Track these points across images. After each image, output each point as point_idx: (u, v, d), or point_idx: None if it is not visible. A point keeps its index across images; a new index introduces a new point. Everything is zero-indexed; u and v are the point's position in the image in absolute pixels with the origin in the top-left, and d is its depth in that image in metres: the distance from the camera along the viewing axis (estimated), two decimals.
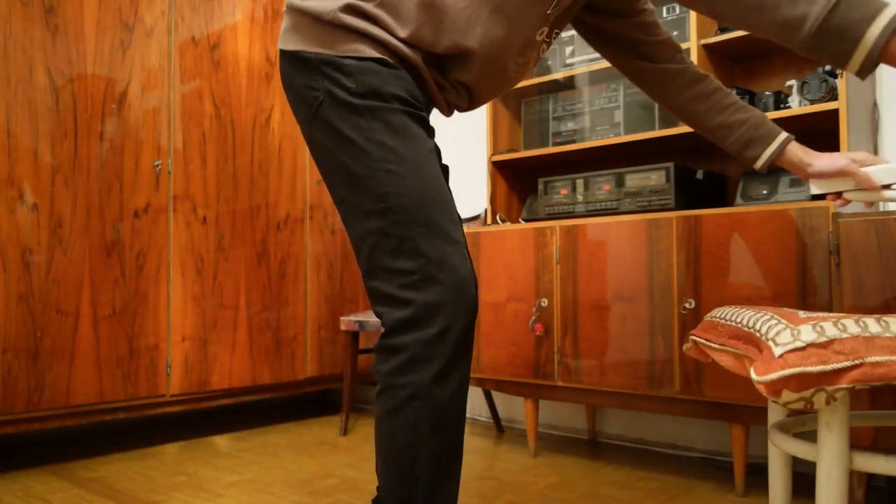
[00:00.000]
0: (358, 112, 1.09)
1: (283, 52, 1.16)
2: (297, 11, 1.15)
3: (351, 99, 1.09)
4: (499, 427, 2.75)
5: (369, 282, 1.09)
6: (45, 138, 2.15)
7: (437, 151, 1.17)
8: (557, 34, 1.27)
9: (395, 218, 1.05)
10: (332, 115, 1.10)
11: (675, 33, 2.26)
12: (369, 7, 1.11)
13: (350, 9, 1.11)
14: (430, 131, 1.15)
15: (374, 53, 1.11)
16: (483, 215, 2.80)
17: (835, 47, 1.01)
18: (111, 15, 2.31)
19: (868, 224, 1.60)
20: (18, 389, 2.06)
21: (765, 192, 2.05)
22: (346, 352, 2.65)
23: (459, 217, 1.14)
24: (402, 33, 1.12)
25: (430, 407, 1.04)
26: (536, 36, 1.21)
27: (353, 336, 2.70)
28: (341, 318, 2.69)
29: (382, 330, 1.08)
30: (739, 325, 1.11)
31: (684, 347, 1.32)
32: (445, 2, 1.13)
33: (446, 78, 1.20)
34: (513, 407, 2.87)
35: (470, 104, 1.27)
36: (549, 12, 1.18)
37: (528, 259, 2.27)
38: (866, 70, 1.01)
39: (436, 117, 3.19)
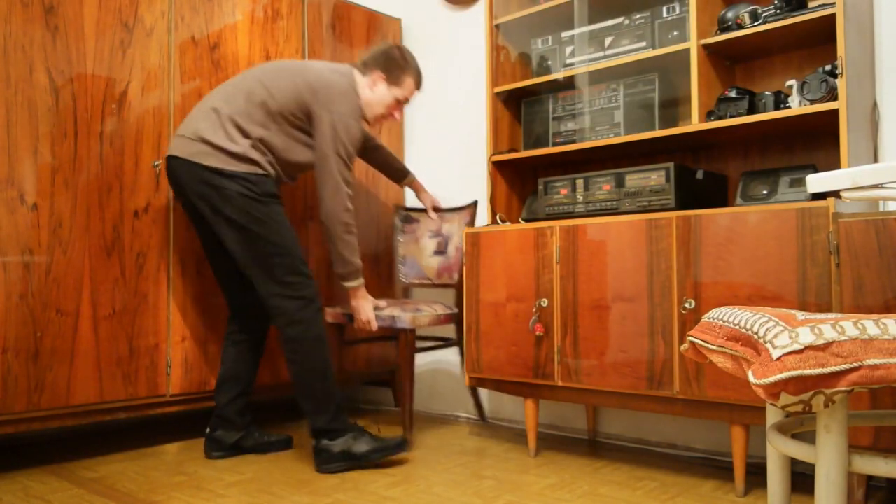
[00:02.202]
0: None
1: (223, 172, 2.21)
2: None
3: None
4: (482, 418, 2.89)
5: (273, 286, 2.21)
6: (45, 138, 2.15)
7: None
8: None
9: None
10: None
11: (675, 33, 2.26)
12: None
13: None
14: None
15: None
16: (474, 206, 2.83)
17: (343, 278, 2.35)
18: (111, 15, 2.31)
19: (868, 224, 1.60)
20: (18, 389, 2.06)
21: (765, 192, 2.05)
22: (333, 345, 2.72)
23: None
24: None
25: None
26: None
27: (339, 329, 2.74)
28: (327, 308, 2.71)
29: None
30: (737, 327, 1.11)
31: (682, 348, 1.32)
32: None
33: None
34: (512, 407, 2.87)
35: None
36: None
37: (528, 259, 2.27)
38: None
39: (438, 118, 3.19)
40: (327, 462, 2.16)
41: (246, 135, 2.20)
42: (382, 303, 2.53)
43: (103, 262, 2.26)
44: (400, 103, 2.42)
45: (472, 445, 2.50)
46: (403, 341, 2.49)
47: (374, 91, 2.36)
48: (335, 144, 2.21)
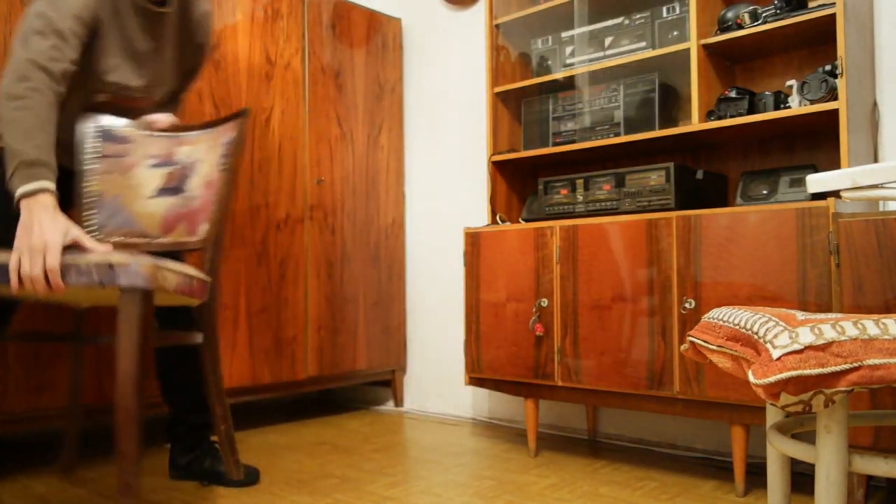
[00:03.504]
0: None
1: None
2: None
3: None
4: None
5: None
6: None
7: None
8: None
9: None
10: None
11: (675, 33, 2.26)
12: None
13: None
14: None
15: None
16: (243, 116, 1.82)
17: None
18: None
19: (868, 224, 1.60)
20: (18, 389, 2.06)
21: (765, 192, 2.05)
22: None
23: None
24: None
25: None
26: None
27: None
28: None
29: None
30: (737, 327, 1.11)
31: (682, 348, 1.32)
32: None
33: None
34: (513, 407, 2.87)
35: None
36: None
37: (528, 259, 2.27)
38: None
39: (438, 118, 3.19)
40: None
41: None
42: (101, 246, 1.45)
43: None
44: None
45: (472, 445, 2.50)
46: (130, 311, 1.32)
47: None
48: (29, 19, 1.61)
